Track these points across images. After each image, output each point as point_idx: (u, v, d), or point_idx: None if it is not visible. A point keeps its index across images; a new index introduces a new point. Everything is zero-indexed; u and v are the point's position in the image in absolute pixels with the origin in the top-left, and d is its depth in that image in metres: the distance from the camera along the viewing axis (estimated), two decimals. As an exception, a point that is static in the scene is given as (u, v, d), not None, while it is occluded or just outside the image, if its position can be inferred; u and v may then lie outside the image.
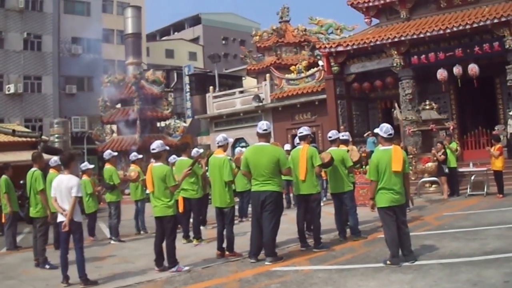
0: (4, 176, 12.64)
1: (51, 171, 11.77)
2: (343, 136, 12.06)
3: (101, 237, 14.30)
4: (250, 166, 9.06)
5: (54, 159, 11.93)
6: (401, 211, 8.24)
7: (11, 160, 16.43)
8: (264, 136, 9.17)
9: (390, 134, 8.37)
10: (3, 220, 12.96)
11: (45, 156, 13.01)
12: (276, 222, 8.95)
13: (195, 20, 73.20)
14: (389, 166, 8.12)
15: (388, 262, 7.94)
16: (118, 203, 13.77)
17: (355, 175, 14.60)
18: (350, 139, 21.98)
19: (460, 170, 18.43)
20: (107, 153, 14.17)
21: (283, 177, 13.71)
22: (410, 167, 15.54)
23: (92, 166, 14.63)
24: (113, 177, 13.63)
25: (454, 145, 18.07)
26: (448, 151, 17.68)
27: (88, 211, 13.52)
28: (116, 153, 14.86)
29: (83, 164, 14.25)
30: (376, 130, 8.68)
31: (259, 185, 8.95)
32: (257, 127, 9.28)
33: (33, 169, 10.74)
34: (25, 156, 19.11)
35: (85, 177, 13.62)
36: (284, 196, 17.86)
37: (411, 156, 18.59)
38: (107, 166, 13.96)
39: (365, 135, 23.52)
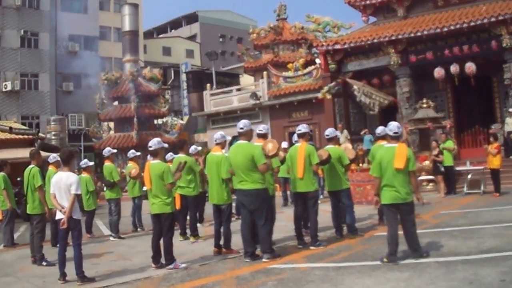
0: (2, 173, 12.63)
1: (50, 167, 11.79)
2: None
3: (98, 234, 14.32)
4: (232, 165, 9.18)
5: (53, 156, 11.91)
6: (406, 209, 8.18)
7: (8, 158, 16.39)
8: (242, 135, 9.24)
9: (396, 132, 8.39)
10: (0, 217, 12.95)
11: (43, 153, 13.01)
12: (267, 218, 8.95)
13: (192, 18, 73.12)
14: (391, 164, 8.13)
15: (384, 259, 7.95)
16: (118, 200, 13.76)
17: (351, 173, 14.64)
18: (349, 138, 22.13)
19: (457, 168, 18.46)
20: (107, 150, 14.15)
21: (280, 175, 13.76)
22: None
23: (92, 163, 14.63)
24: (113, 174, 13.64)
25: (451, 144, 18.04)
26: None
27: (88, 208, 13.53)
28: (115, 150, 14.86)
29: (83, 161, 14.24)
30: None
31: (241, 182, 9.04)
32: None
33: (30, 166, 10.73)
34: (22, 153, 19.09)
35: (85, 175, 13.62)
36: (281, 194, 18.10)
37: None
38: (107, 163, 13.95)
39: (362, 133, 23.53)
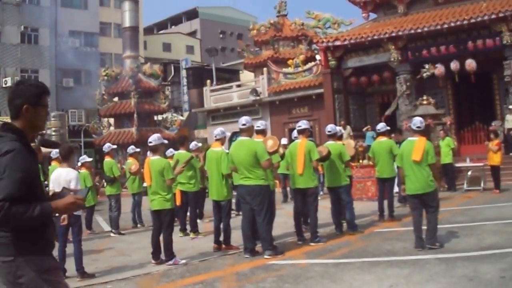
0: None
1: (53, 163, 11.80)
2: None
3: (98, 230, 14.33)
4: (234, 161, 9.16)
5: (56, 151, 11.92)
6: (427, 198, 8.60)
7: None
8: (245, 131, 9.24)
9: (419, 127, 8.91)
10: None
11: (43, 149, 13.00)
12: (267, 215, 8.95)
13: (193, 14, 73.01)
14: (410, 156, 8.67)
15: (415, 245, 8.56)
16: (118, 196, 13.75)
17: (352, 169, 14.66)
18: (351, 134, 22.14)
19: (457, 165, 18.44)
20: (107, 146, 14.16)
21: (280, 171, 13.78)
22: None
23: (90, 159, 14.62)
24: (113, 170, 13.63)
25: (450, 143, 17.98)
26: (443, 145, 17.68)
27: (87, 204, 13.50)
28: (115, 146, 14.86)
29: (81, 157, 14.24)
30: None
31: (243, 179, 9.05)
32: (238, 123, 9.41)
33: (30, 162, 10.70)
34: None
35: (83, 170, 13.60)
36: (281, 190, 18.09)
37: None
38: (107, 159, 13.95)
39: (364, 129, 23.54)
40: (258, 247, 9.14)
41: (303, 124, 10.19)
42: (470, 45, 21.23)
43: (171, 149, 13.97)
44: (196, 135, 35.19)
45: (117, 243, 11.89)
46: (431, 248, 8.34)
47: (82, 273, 8.09)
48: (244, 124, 9.22)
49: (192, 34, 69.82)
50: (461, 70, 21.49)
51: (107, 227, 14.46)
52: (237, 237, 9.77)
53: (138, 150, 14.90)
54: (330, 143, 10.91)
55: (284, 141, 16.39)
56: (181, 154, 11.72)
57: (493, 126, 20.64)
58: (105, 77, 34.15)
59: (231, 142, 20.20)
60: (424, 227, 8.63)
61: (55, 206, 3.24)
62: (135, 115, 32.24)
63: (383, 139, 12.54)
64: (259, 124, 9.88)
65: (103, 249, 11.13)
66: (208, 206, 11.64)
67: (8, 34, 41.49)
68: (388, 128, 13.30)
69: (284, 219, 12.10)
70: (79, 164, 14.00)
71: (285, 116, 28.75)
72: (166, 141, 9.63)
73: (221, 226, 9.84)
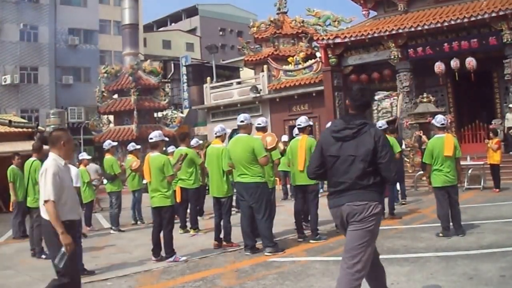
0: (11, 166, 12.58)
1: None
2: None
3: (98, 227, 14.33)
4: (231, 158, 9.16)
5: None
6: (454, 190, 9.51)
7: (8, 151, 16.38)
8: (243, 128, 9.26)
9: (443, 124, 9.70)
10: (10, 209, 12.92)
11: (44, 146, 12.95)
12: (266, 212, 8.94)
13: (192, 11, 73.02)
14: (441, 152, 9.35)
15: (440, 234, 9.27)
16: (119, 193, 13.74)
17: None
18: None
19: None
20: (107, 143, 14.16)
21: (280, 168, 13.75)
22: (407, 159, 15.58)
23: (89, 157, 14.65)
24: (113, 167, 13.62)
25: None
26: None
27: (85, 200, 13.52)
28: (115, 143, 14.85)
29: (80, 154, 14.28)
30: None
31: (240, 176, 9.05)
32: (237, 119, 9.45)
33: (32, 159, 10.68)
34: (22, 146, 19.05)
35: (81, 167, 13.64)
36: (281, 188, 18.08)
37: (408, 149, 18.57)
38: (107, 156, 13.95)
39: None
40: (259, 244, 9.14)
41: (303, 121, 10.17)
42: (471, 43, 21.22)
43: (172, 146, 13.96)
44: (196, 132, 35.19)
45: (117, 240, 11.88)
46: (462, 236, 9.10)
47: (82, 270, 8.05)
48: (242, 121, 9.23)
49: (192, 31, 69.80)
50: (461, 68, 21.49)
51: (107, 224, 14.46)
52: (237, 234, 9.76)
53: (138, 147, 14.88)
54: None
55: (284, 138, 16.37)
56: (182, 150, 11.70)
57: (493, 125, 20.63)
58: (105, 74, 34.13)
59: (230, 139, 20.08)
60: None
61: None
62: (135, 112, 32.23)
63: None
64: (260, 122, 9.88)
65: (103, 246, 11.12)
66: (209, 203, 11.64)
67: (8, 31, 41.51)
68: (387, 125, 13.34)
69: (284, 216, 12.10)
70: (79, 159, 14.06)
71: (285, 113, 28.77)
72: (167, 138, 9.62)
73: (222, 223, 9.84)
